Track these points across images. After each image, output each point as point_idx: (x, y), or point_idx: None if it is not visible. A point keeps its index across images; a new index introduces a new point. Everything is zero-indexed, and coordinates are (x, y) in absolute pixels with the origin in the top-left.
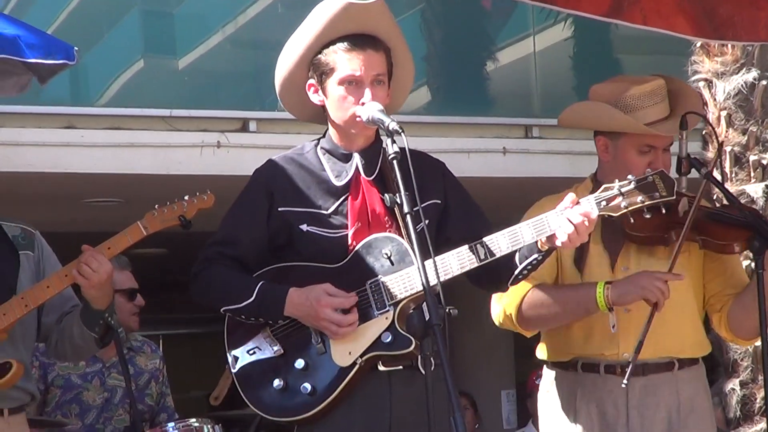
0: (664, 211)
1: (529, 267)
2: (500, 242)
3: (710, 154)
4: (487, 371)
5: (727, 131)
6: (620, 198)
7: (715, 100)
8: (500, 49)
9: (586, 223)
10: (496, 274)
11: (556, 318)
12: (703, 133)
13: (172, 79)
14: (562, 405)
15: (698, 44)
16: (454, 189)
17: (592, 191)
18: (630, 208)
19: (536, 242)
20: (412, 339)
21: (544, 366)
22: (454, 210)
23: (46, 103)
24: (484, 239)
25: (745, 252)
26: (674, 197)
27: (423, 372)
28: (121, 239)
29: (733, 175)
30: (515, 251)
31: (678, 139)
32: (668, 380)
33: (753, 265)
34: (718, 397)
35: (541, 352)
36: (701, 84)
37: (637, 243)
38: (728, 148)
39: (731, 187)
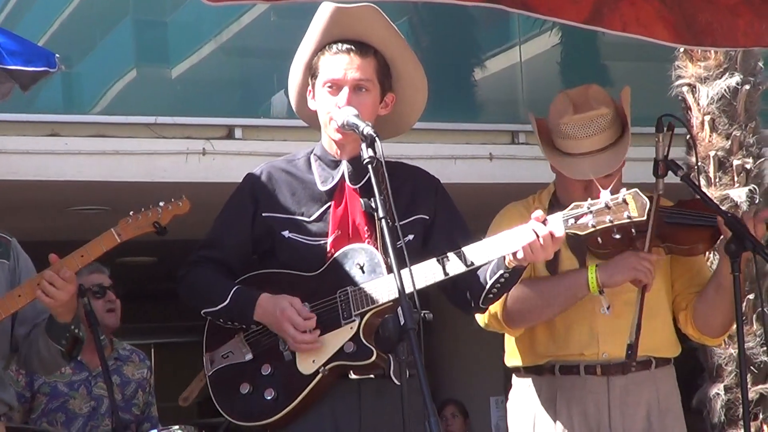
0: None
1: (498, 285)
2: (472, 255)
3: (694, 158)
4: (476, 378)
5: (710, 136)
6: (589, 216)
7: (698, 104)
8: (487, 58)
9: (551, 240)
10: (464, 294)
11: (543, 309)
12: (687, 138)
13: (163, 87)
14: (539, 411)
15: (682, 49)
16: (444, 206)
17: (553, 196)
18: (597, 228)
19: (504, 259)
20: (374, 350)
21: (513, 375)
22: (438, 225)
23: (31, 111)
24: (449, 254)
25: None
26: (645, 218)
27: (396, 382)
28: (94, 246)
29: (717, 179)
30: (478, 270)
31: (655, 142)
32: (647, 378)
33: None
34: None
35: (512, 359)
36: (685, 89)
37: (599, 258)
38: (712, 153)
39: (715, 192)
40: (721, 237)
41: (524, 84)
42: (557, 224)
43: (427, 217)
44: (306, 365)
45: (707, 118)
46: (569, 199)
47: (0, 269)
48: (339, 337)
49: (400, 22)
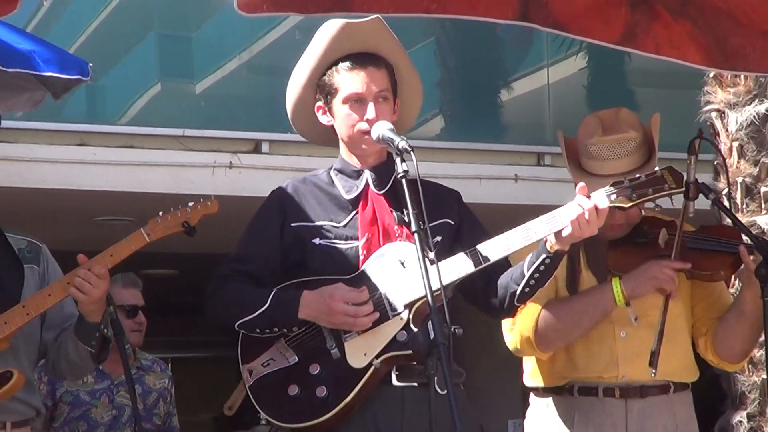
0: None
1: (537, 275)
2: (496, 247)
3: (721, 184)
4: (495, 399)
5: (738, 162)
6: (629, 190)
7: (727, 130)
8: (514, 80)
9: (596, 213)
10: (498, 293)
11: (574, 328)
12: (715, 163)
13: (188, 102)
14: (556, 431)
15: (711, 75)
16: (468, 216)
17: None
18: (640, 200)
19: (545, 244)
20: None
21: (531, 394)
22: (465, 232)
23: (60, 120)
24: (478, 246)
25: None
26: (683, 189)
27: (438, 391)
28: (123, 246)
29: (744, 206)
30: (523, 262)
31: (686, 164)
32: (665, 403)
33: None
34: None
35: (532, 379)
36: (714, 114)
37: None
38: (739, 179)
39: (742, 218)
40: (743, 265)
41: (551, 107)
42: (601, 198)
43: (453, 222)
44: (358, 359)
45: (735, 144)
46: None
47: (30, 274)
48: (390, 329)
49: (426, 43)
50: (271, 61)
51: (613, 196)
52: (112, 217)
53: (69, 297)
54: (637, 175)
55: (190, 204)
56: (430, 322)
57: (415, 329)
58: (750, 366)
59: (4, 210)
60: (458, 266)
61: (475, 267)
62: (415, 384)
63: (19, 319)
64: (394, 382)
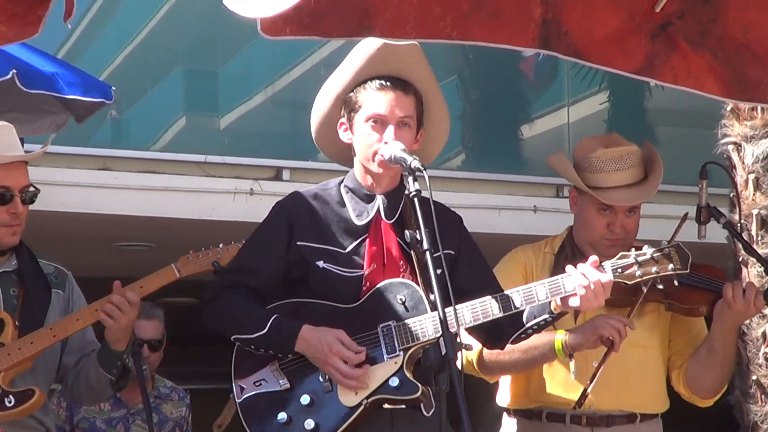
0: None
1: (536, 327)
2: (514, 299)
3: (737, 217)
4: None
5: (754, 194)
6: (635, 267)
7: (743, 163)
8: (535, 117)
9: (601, 287)
10: (500, 331)
11: (516, 365)
12: (731, 196)
13: (212, 136)
14: None
15: (728, 108)
16: (467, 242)
17: (565, 239)
18: (645, 278)
19: (549, 303)
20: (419, 386)
21: (504, 414)
22: (462, 261)
23: (82, 144)
24: (497, 295)
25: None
26: (687, 271)
27: (424, 413)
28: (154, 279)
29: (759, 238)
30: (523, 310)
31: (698, 188)
32: (631, 431)
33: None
34: None
35: (503, 398)
36: (730, 147)
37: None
38: (755, 211)
39: (758, 250)
40: (720, 300)
41: (570, 145)
42: (606, 272)
43: (453, 252)
44: (348, 397)
45: (751, 176)
46: (587, 238)
47: (57, 299)
48: (383, 371)
49: (450, 80)
50: (296, 97)
51: (619, 271)
52: (132, 243)
53: (91, 334)
54: (645, 249)
55: (221, 245)
56: (441, 338)
57: (408, 375)
58: (763, 396)
59: (24, 233)
60: (473, 312)
61: (492, 316)
62: (403, 406)
63: (46, 341)
64: (384, 405)
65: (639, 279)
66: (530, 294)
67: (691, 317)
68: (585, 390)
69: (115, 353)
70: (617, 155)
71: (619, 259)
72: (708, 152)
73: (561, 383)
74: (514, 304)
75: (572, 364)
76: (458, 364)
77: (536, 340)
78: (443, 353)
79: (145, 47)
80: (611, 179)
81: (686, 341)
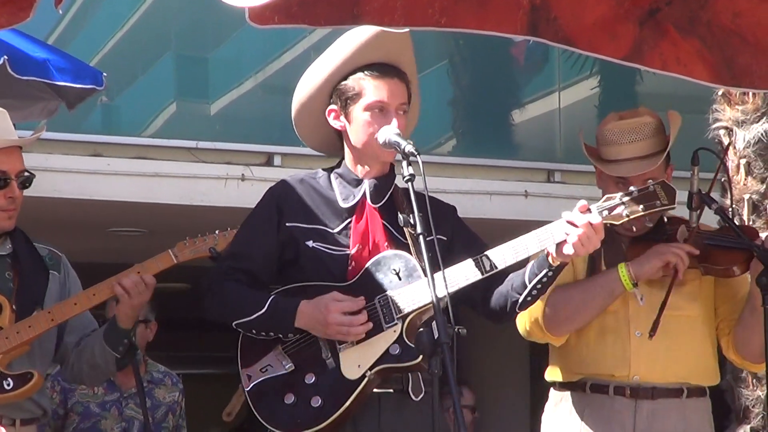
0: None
1: (539, 285)
2: (504, 253)
3: (728, 201)
4: (500, 405)
5: (745, 179)
6: (621, 207)
7: (734, 148)
8: (526, 102)
9: (592, 228)
10: (499, 301)
11: (582, 310)
12: (722, 180)
13: (203, 121)
14: (566, 425)
15: (720, 93)
16: (462, 230)
17: None
18: (631, 217)
19: (547, 257)
20: (420, 352)
21: (551, 388)
22: (456, 246)
23: (74, 130)
24: (487, 252)
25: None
26: (674, 206)
27: (413, 397)
28: (151, 264)
29: (751, 222)
30: (524, 271)
31: (690, 176)
32: (677, 406)
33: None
34: None
35: (551, 373)
36: (722, 132)
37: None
38: (746, 196)
39: None
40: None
41: (562, 129)
42: (592, 214)
43: (445, 238)
44: (351, 370)
45: (743, 161)
46: None
47: (52, 280)
48: (383, 341)
49: (441, 64)
50: (287, 82)
51: (605, 212)
52: (124, 228)
53: (89, 315)
54: (631, 189)
55: (218, 232)
56: (434, 321)
57: (408, 342)
58: (754, 380)
59: (17, 218)
60: (465, 273)
61: (483, 274)
62: (391, 390)
63: (43, 325)
64: (391, 375)
65: (626, 219)
66: (519, 247)
67: (728, 278)
68: (657, 319)
69: (122, 331)
70: (630, 127)
71: (604, 201)
72: (699, 137)
73: (605, 355)
74: (505, 259)
75: (637, 291)
76: (452, 348)
77: (595, 279)
78: (436, 337)
79: (136, 33)
80: (624, 151)
81: (732, 307)
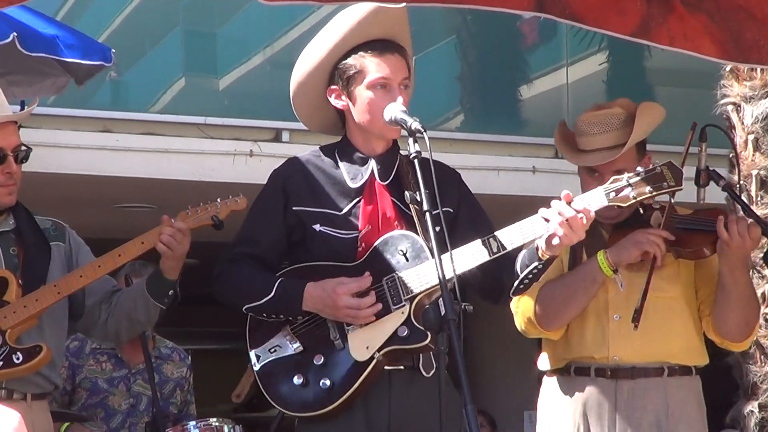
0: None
1: (530, 276)
2: (512, 235)
3: (736, 177)
4: (510, 391)
5: (753, 155)
6: (629, 189)
7: (743, 123)
8: (534, 78)
9: (576, 220)
10: (499, 281)
11: (569, 302)
12: (730, 156)
13: (211, 96)
14: (554, 409)
15: (728, 68)
16: (467, 199)
17: None
18: (639, 198)
19: (537, 250)
20: (428, 333)
21: (544, 376)
22: (462, 219)
23: (83, 106)
24: (496, 233)
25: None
26: (682, 187)
27: (424, 373)
28: (153, 234)
29: (759, 198)
30: (517, 257)
31: (697, 151)
32: (657, 385)
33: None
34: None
35: (542, 362)
36: (729, 108)
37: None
38: (754, 172)
39: (757, 211)
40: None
41: (570, 105)
42: (600, 197)
43: (452, 210)
44: (360, 352)
45: (751, 137)
46: None
47: (57, 250)
48: (391, 322)
49: (448, 40)
50: (294, 58)
51: (612, 194)
52: (133, 204)
53: (105, 276)
54: (639, 169)
55: (219, 200)
56: (440, 299)
57: (416, 323)
58: (762, 356)
59: (25, 195)
60: (473, 253)
61: (490, 256)
62: (402, 367)
63: (50, 298)
64: (399, 357)
65: (633, 200)
66: (527, 228)
67: (706, 260)
68: (640, 307)
69: (168, 282)
70: (600, 119)
71: (611, 183)
72: (707, 113)
73: (585, 339)
74: (512, 241)
75: (617, 277)
76: (459, 325)
77: (577, 271)
78: (442, 313)
79: (144, 9)
80: (594, 142)
81: (711, 288)
